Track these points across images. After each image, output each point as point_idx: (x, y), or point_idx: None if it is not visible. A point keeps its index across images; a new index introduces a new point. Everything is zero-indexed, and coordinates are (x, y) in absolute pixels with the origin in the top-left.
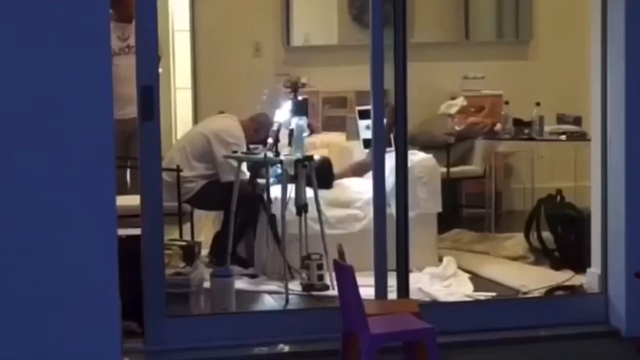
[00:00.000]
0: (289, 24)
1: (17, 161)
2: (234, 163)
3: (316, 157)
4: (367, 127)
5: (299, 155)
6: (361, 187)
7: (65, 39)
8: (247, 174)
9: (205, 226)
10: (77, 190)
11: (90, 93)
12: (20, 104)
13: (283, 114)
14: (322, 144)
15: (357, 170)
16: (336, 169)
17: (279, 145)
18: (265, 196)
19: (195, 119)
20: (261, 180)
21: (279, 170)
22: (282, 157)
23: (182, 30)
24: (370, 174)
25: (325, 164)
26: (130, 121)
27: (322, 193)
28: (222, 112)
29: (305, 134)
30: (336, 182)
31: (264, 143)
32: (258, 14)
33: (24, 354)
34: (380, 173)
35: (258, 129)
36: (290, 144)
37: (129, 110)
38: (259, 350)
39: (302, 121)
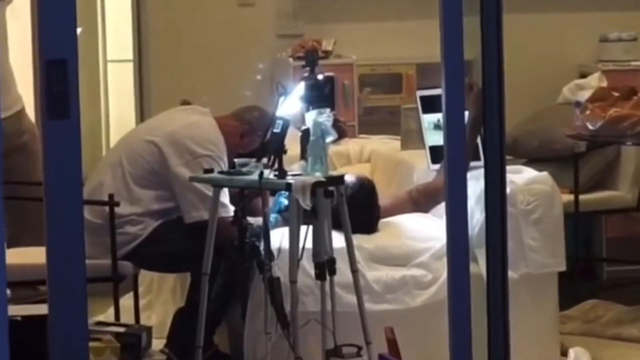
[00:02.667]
0: None
1: None
2: (208, 190)
3: (349, 178)
4: (437, 126)
5: (319, 175)
6: (427, 230)
7: None
8: (231, 209)
9: (160, 300)
10: None
11: None
12: None
13: (291, 105)
14: (359, 156)
15: (420, 202)
16: (383, 198)
17: (285, 158)
18: (261, 247)
19: (141, 114)
20: (254, 220)
21: (285, 202)
22: (289, 179)
23: None
24: (442, 207)
25: (365, 190)
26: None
27: (361, 240)
28: (186, 103)
29: (331, 138)
30: (384, 221)
31: (259, 155)
32: None
33: None
34: (460, 205)
35: (248, 132)
36: (303, 156)
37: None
38: None
39: (325, 117)
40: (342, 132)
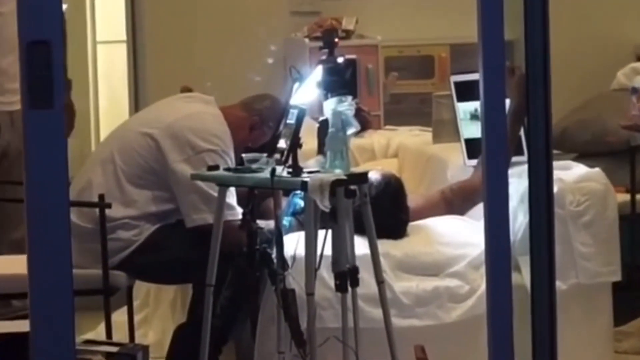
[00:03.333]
0: None
1: None
2: (212, 190)
3: (373, 176)
4: (474, 116)
5: (339, 172)
6: (462, 235)
7: None
8: (239, 212)
9: (157, 315)
10: None
11: None
12: None
13: (307, 92)
14: (385, 150)
15: (455, 202)
16: (413, 199)
17: (300, 153)
18: (273, 254)
19: (135, 104)
20: (265, 224)
21: (301, 203)
22: (305, 177)
23: None
24: (479, 209)
25: (392, 189)
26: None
27: (387, 247)
28: (187, 90)
29: (352, 130)
30: (413, 225)
31: (271, 150)
32: None
33: None
34: (500, 206)
35: (258, 124)
36: (321, 150)
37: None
38: None
39: (346, 106)
40: (365, 123)
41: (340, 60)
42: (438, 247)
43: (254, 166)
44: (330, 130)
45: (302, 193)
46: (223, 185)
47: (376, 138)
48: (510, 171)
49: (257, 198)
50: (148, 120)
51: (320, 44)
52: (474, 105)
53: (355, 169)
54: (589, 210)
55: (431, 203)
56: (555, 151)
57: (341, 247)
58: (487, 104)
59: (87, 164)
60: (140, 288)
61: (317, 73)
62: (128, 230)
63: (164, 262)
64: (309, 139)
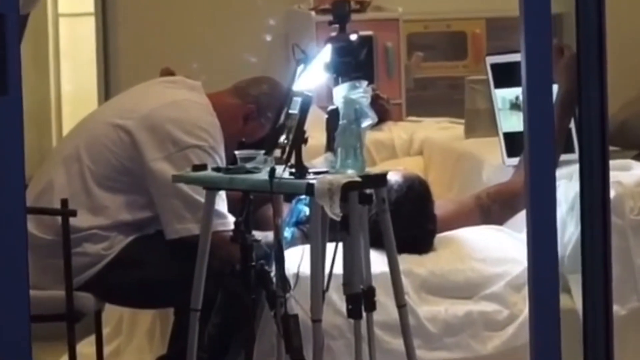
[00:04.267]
0: None
1: None
2: (198, 194)
3: (393, 177)
4: (515, 106)
5: (351, 173)
6: (500, 249)
7: None
8: (230, 221)
9: (132, 345)
10: None
11: None
12: None
13: (313, 76)
14: (408, 147)
15: (492, 210)
16: (441, 205)
17: (304, 150)
18: (272, 272)
19: (105, 89)
20: (262, 235)
21: (306, 211)
22: (311, 179)
23: None
24: (521, 218)
25: (416, 194)
26: None
27: (410, 263)
28: (169, 74)
29: (368, 122)
30: (441, 237)
31: (269, 146)
32: None
33: None
34: (546, 215)
35: (253, 114)
36: (330, 147)
37: None
38: None
39: (360, 92)
40: (384, 114)
41: (353, 37)
42: (471, 264)
43: (249, 165)
44: (341, 122)
45: (308, 198)
46: (211, 188)
47: (397, 132)
48: (558, 172)
49: (252, 204)
50: (121, 109)
51: (329, 17)
52: (515, 92)
53: (372, 170)
54: None
55: (463, 210)
56: (612, 148)
57: (354, 264)
58: (530, 91)
59: (48, 163)
60: (112, 313)
61: (325, 53)
62: (97, 242)
63: (139, 282)
64: (315, 133)
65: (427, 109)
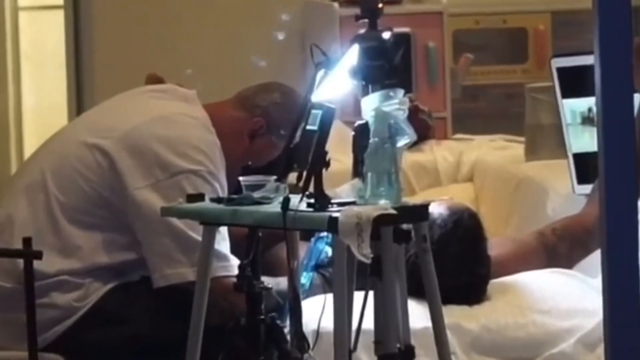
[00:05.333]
0: None
1: None
2: (193, 231)
3: (437, 210)
4: (587, 120)
5: (385, 204)
6: (570, 299)
7: None
8: (234, 264)
9: None
10: None
11: None
12: None
13: (337, 83)
14: (455, 171)
15: (559, 250)
16: (496, 244)
17: (326, 175)
18: (286, 328)
19: (77, 101)
20: (274, 282)
21: (328, 252)
22: (334, 211)
23: None
24: (595, 259)
25: (465, 230)
26: None
27: (457, 316)
28: (156, 81)
29: (405, 141)
30: (496, 283)
31: (282, 170)
32: None
33: None
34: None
35: (262, 129)
36: (358, 171)
37: None
38: None
39: (395, 104)
40: (424, 130)
41: (386, 35)
42: (534, 317)
43: (257, 195)
44: (371, 140)
45: (330, 236)
46: (210, 223)
47: (441, 153)
48: None
49: (261, 243)
50: (97, 126)
51: (356, 11)
52: (588, 103)
53: (410, 200)
54: None
55: (523, 251)
56: None
57: (388, 317)
58: (605, 102)
59: (6, 193)
60: None
61: (351, 55)
62: (67, 291)
63: (121, 341)
64: (339, 154)
65: (479, 125)
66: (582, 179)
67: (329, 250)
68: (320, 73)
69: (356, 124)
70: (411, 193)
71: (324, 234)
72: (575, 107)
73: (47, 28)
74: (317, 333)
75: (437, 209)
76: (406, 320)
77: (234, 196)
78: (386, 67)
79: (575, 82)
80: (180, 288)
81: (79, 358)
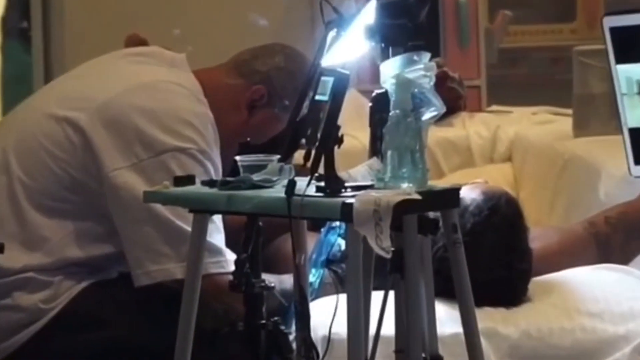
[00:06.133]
0: None
1: None
2: (182, 220)
3: (470, 195)
4: None
5: (407, 188)
6: (625, 299)
7: None
8: (230, 259)
9: None
10: None
11: None
12: None
13: (350, 46)
14: (490, 149)
15: (613, 242)
16: (540, 236)
17: (337, 153)
18: (291, 334)
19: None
20: (277, 280)
21: (340, 244)
22: (348, 196)
23: None
24: None
25: (502, 219)
26: None
27: (494, 320)
28: (138, 42)
29: (432, 113)
30: (538, 281)
31: (287, 148)
32: None
33: None
34: None
35: (263, 99)
36: (376, 149)
37: None
38: None
39: (419, 71)
40: (454, 101)
41: None
42: (582, 321)
43: (256, 177)
44: (392, 113)
45: (343, 226)
46: (201, 211)
47: (474, 128)
48: None
49: (262, 235)
50: (69, 95)
51: None
52: None
53: (438, 183)
54: None
55: (571, 243)
56: None
57: (412, 322)
58: None
59: None
60: None
61: (368, 12)
62: (33, 291)
63: (96, 349)
64: (354, 129)
65: (518, 94)
66: (639, 159)
67: (341, 243)
68: (332, 33)
69: (374, 94)
70: (439, 175)
71: (336, 223)
72: (631, 73)
73: None
74: (328, 340)
75: (469, 194)
76: (433, 325)
77: (230, 179)
78: (409, 26)
79: (631, 45)
80: (166, 287)
81: None
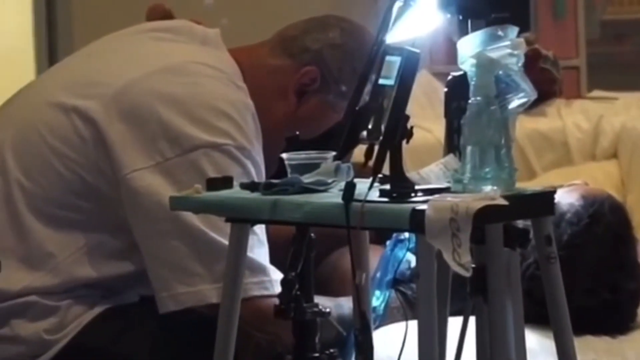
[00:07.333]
0: None
1: None
2: (217, 232)
3: (567, 199)
4: None
5: (492, 191)
6: None
7: None
8: (275, 279)
9: None
10: None
11: None
12: None
13: (420, 20)
14: (592, 143)
15: None
16: None
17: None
18: None
19: (50, 46)
20: (330, 303)
21: (410, 260)
22: (419, 201)
23: None
24: None
25: (607, 229)
26: None
27: (597, 350)
28: (163, 16)
29: (521, 101)
30: None
31: (344, 144)
32: None
33: None
34: None
35: (315, 85)
36: (453, 145)
37: None
38: None
39: (505, 49)
40: (548, 85)
41: None
42: None
43: (307, 179)
44: (472, 100)
45: (412, 238)
46: (240, 220)
47: (571, 118)
48: None
49: (314, 249)
50: (78, 80)
51: None
52: None
53: (528, 186)
54: None
55: None
56: None
57: (497, 352)
58: None
59: None
60: None
61: None
62: (36, 318)
63: None
64: (426, 121)
65: (625, 77)
66: None
67: (411, 259)
68: (398, 4)
69: (450, 77)
70: (530, 175)
71: (405, 234)
72: None
73: None
74: None
75: (567, 199)
76: (522, 356)
77: (275, 180)
78: None
79: None
80: (197, 313)
81: None
